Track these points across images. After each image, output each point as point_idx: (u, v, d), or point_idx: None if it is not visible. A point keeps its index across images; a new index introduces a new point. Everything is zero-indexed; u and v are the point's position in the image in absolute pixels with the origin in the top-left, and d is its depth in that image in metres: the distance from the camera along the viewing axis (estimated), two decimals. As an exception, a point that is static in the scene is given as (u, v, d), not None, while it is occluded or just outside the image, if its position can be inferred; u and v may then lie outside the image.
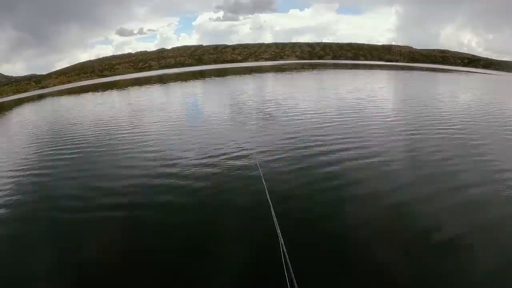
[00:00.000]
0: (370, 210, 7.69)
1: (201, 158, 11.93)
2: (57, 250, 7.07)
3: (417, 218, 7.30)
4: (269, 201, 5.20)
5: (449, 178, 9.54)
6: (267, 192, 5.94)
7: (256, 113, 20.60)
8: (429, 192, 8.57)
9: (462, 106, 22.73)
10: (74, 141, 16.95)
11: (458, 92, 33.06)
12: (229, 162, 11.28)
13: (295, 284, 2.92)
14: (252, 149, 12.55)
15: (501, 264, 5.79)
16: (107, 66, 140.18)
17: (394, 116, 18.64)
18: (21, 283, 6.13)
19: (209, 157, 12.00)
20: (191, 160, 11.81)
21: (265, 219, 5.71)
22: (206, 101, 29.91)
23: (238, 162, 11.17)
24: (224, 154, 12.21)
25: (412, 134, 14.13)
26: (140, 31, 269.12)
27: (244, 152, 12.20)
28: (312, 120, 17.55)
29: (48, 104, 44.46)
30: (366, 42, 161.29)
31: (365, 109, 20.78)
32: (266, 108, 22.36)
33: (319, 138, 13.75)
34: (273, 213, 4.57)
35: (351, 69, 73.05)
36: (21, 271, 6.42)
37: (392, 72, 64.61)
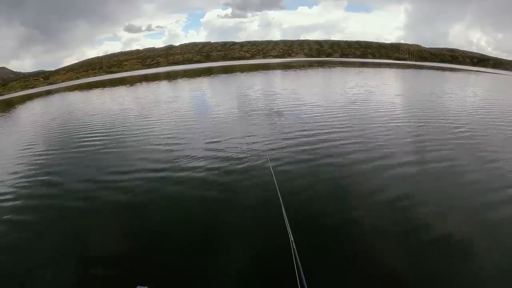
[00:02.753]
0: (377, 207, 7.58)
1: (210, 151, 11.96)
2: (59, 241, 7.08)
3: (425, 217, 7.18)
4: (280, 196, 5.14)
5: (454, 175, 9.49)
6: (277, 187, 5.88)
7: (264, 108, 20.56)
8: (436, 190, 8.51)
9: (470, 105, 22.45)
10: (88, 132, 17.38)
11: (470, 92, 32.71)
12: (239, 155, 11.23)
13: (304, 281, 2.86)
14: (261, 142, 12.58)
15: (505, 263, 5.70)
16: (115, 63, 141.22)
17: (400, 113, 18.48)
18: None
19: (219, 150, 12.00)
20: (199, 153, 11.79)
21: (275, 214, 5.68)
22: (214, 97, 29.83)
23: (248, 156, 11.11)
24: (233, 147, 12.18)
25: (419, 133, 13.94)
26: (148, 28, 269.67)
27: (253, 146, 12.17)
28: (320, 115, 17.47)
29: (62, 99, 44.88)
30: (374, 40, 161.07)
31: (370, 107, 20.51)
32: (274, 103, 22.29)
33: (326, 132, 13.74)
34: (283, 209, 4.51)
35: (359, 67, 72.50)
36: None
37: (400, 71, 64.08)
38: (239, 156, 11.20)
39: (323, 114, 17.93)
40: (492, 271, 5.51)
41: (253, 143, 12.63)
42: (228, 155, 11.38)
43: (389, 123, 15.74)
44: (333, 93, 28.18)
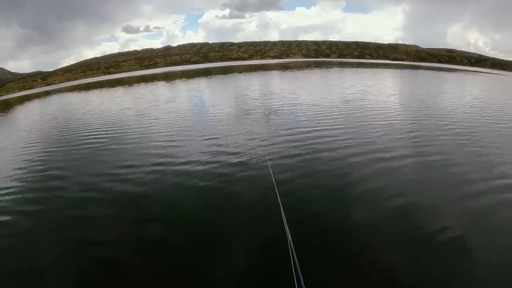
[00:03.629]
0: (375, 206, 7.59)
1: (209, 150, 11.94)
2: (60, 241, 7.06)
3: (423, 216, 7.21)
4: (278, 196, 5.18)
5: (451, 171, 9.56)
6: (275, 187, 5.90)
7: (262, 108, 20.61)
8: (433, 187, 8.59)
9: (467, 103, 22.52)
10: (88, 130, 17.35)
11: (468, 91, 32.82)
12: (238, 155, 11.23)
13: (302, 281, 2.90)
14: (260, 141, 12.62)
15: (506, 263, 5.72)
16: (113, 63, 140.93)
17: (397, 112, 18.64)
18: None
19: (217, 149, 12.00)
20: (198, 152, 11.78)
21: (273, 214, 5.70)
22: (212, 97, 29.84)
23: (246, 155, 11.12)
24: (232, 147, 12.18)
25: (414, 131, 14.07)
26: (146, 29, 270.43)
27: (252, 145, 12.18)
28: (318, 114, 17.54)
29: (61, 100, 44.60)
30: (372, 41, 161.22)
31: (366, 106, 20.58)
32: (272, 103, 22.31)
33: (325, 132, 13.81)
34: (281, 209, 4.54)
35: (357, 67, 72.55)
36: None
37: (398, 71, 64.18)
38: (238, 155, 11.23)
39: (321, 113, 18.01)
40: (491, 268, 5.56)
41: (252, 142, 12.66)
42: (227, 154, 11.40)
43: (387, 122, 15.80)
44: (331, 93, 28.26)
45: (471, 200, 7.83)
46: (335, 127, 14.82)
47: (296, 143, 12.30)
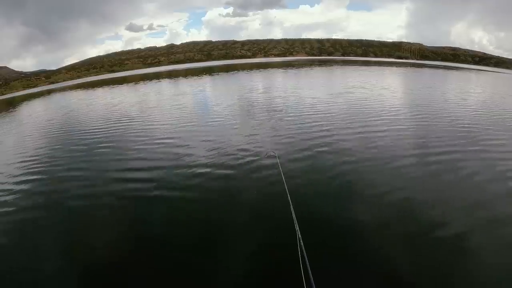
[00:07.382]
0: (386, 204, 7.52)
1: (216, 147, 11.87)
2: (61, 240, 7.02)
3: (434, 217, 7.07)
4: (288, 193, 5.15)
5: (455, 170, 9.45)
6: (285, 184, 5.85)
7: (268, 105, 20.61)
8: (439, 186, 8.47)
9: (471, 102, 22.40)
10: (90, 129, 17.00)
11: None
12: (246, 151, 11.19)
13: (311, 279, 2.90)
14: (268, 138, 12.61)
15: (508, 262, 5.67)
16: (116, 62, 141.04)
17: (402, 111, 18.42)
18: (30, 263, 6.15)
19: (224, 146, 11.93)
20: (204, 149, 11.74)
21: (283, 212, 5.65)
22: (217, 95, 29.74)
23: (254, 152, 11.05)
24: (240, 143, 12.14)
25: (420, 130, 14.02)
26: (150, 27, 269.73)
27: (260, 142, 12.16)
28: (325, 111, 17.57)
29: (66, 98, 44.84)
30: (376, 39, 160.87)
31: (372, 103, 20.48)
32: (278, 100, 22.33)
33: (334, 128, 13.82)
34: (291, 206, 4.53)
35: (361, 65, 72.29)
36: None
37: (402, 69, 63.81)
38: (245, 151, 11.19)
39: (329, 110, 18.02)
40: (497, 270, 5.50)
41: (260, 139, 12.64)
42: (234, 150, 11.38)
43: (392, 119, 15.71)
44: (336, 90, 27.98)
45: (481, 202, 7.70)
46: (343, 123, 14.81)
47: (305, 139, 12.27)
